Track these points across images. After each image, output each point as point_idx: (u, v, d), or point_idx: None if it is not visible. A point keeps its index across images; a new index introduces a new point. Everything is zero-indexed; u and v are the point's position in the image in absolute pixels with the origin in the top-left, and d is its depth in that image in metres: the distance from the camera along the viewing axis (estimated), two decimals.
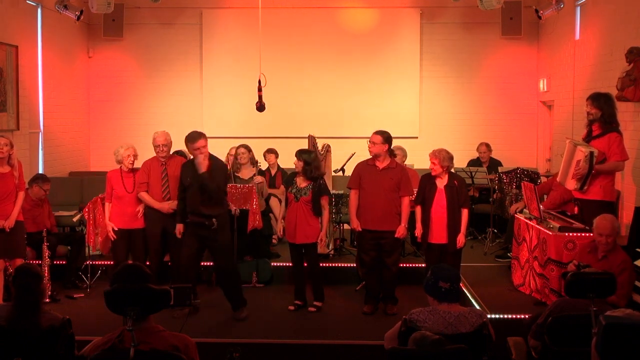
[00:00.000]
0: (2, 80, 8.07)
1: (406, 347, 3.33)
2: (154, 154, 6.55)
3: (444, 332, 3.53)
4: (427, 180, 6.22)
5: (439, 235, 6.12)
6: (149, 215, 6.47)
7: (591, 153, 5.75)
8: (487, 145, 9.78)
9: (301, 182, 6.32)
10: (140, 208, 6.50)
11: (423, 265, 6.90)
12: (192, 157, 6.45)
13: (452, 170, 6.37)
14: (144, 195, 6.44)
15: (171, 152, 8.15)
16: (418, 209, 6.27)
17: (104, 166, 10.76)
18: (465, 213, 6.13)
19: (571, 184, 6.04)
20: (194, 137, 5.94)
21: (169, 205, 6.35)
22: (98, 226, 6.75)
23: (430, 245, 6.20)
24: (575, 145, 5.93)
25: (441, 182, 6.14)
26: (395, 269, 6.29)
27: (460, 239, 6.08)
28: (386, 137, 6.23)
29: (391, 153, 6.37)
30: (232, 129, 10.34)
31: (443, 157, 6.09)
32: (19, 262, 5.93)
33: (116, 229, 6.44)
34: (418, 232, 6.23)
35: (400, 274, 6.51)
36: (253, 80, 8.03)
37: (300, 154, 6.37)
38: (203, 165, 5.88)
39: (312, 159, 6.35)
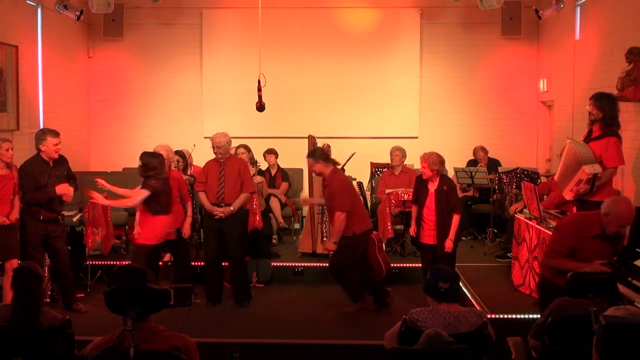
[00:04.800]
0: (2, 80, 8.06)
1: (406, 347, 3.33)
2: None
3: (444, 332, 3.53)
4: (421, 181, 6.31)
5: (429, 236, 6.24)
6: (205, 214, 6.61)
7: (595, 175, 5.57)
8: (484, 149, 9.77)
9: None
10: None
11: (420, 265, 6.91)
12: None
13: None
14: (200, 196, 6.55)
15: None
16: (414, 208, 6.40)
17: (103, 166, 10.77)
18: (455, 218, 6.13)
19: (568, 195, 5.98)
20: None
21: (219, 211, 6.35)
22: (98, 226, 6.74)
23: (422, 245, 6.36)
24: (582, 163, 5.64)
25: (432, 186, 6.20)
26: (336, 269, 6.21)
27: (448, 244, 6.10)
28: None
29: (327, 160, 6.22)
30: (232, 129, 10.26)
31: (433, 161, 6.11)
32: (15, 262, 5.95)
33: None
34: (412, 230, 6.39)
35: (400, 274, 6.54)
36: (253, 80, 8.03)
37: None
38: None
39: None
